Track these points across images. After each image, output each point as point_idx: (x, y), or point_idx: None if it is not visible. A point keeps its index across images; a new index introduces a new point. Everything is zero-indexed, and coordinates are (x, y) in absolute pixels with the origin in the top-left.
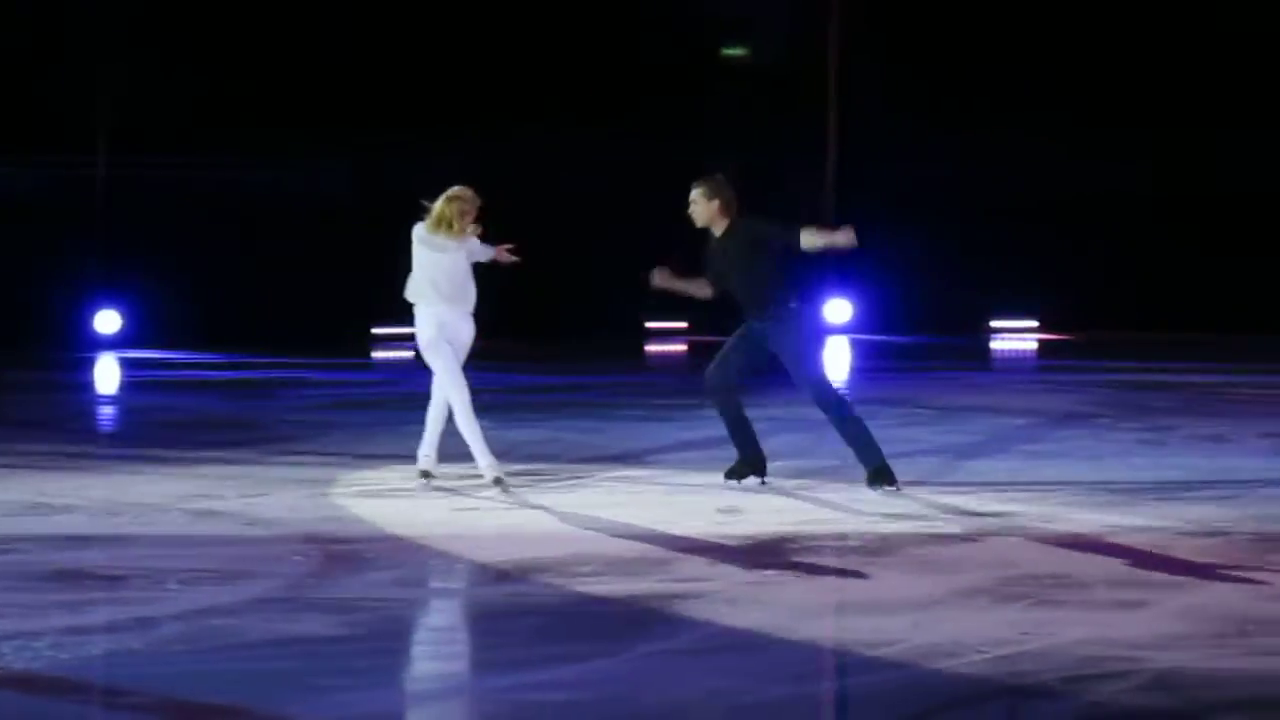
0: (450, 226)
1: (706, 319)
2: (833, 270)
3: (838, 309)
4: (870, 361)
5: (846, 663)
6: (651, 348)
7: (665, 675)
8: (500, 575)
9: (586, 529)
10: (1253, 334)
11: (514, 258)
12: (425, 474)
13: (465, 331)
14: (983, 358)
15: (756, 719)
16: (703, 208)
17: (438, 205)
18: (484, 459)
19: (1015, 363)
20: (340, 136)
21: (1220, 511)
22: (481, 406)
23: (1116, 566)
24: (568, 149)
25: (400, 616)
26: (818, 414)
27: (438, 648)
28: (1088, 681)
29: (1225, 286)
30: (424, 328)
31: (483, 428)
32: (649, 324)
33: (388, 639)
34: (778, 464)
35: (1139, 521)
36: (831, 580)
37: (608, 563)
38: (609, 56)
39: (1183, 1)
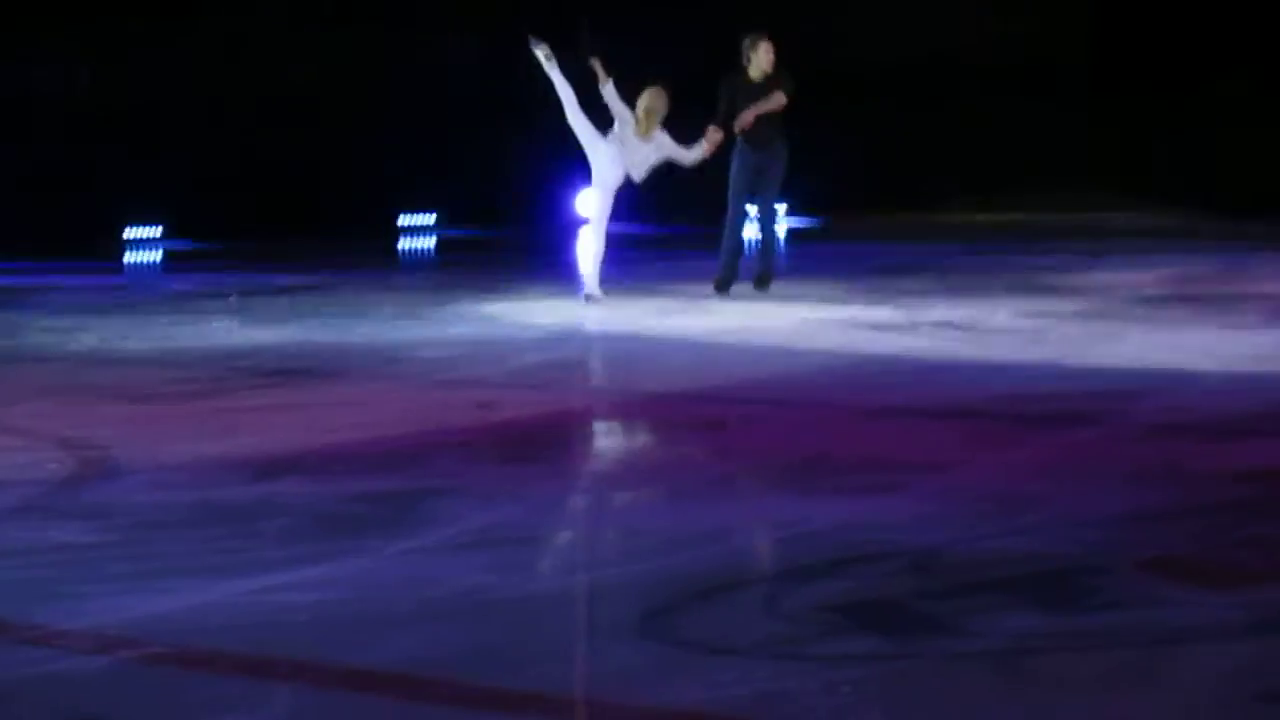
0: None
1: (456, 213)
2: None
3: (589, 200)
4: (618, 252)
5: (597, 554)
6: (402, 243)
7: (417, 573)
8: (251, 475)
9: (338, 428)
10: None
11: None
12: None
13: None
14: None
15: (510, 615)
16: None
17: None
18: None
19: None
20: (80, 34)
21: (973, 392)
22: (230, 308)
23: (871, 449)
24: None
25: (153, 521)
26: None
27: (188, 551)
28: (845, 565)
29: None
30: None
31: (232, 329)
32: (400, 220)
33: (139, 545)
34: (531, 358)
35: (893, 405)
36: (588, 472)
37: (360, 460)
38: None
39: None
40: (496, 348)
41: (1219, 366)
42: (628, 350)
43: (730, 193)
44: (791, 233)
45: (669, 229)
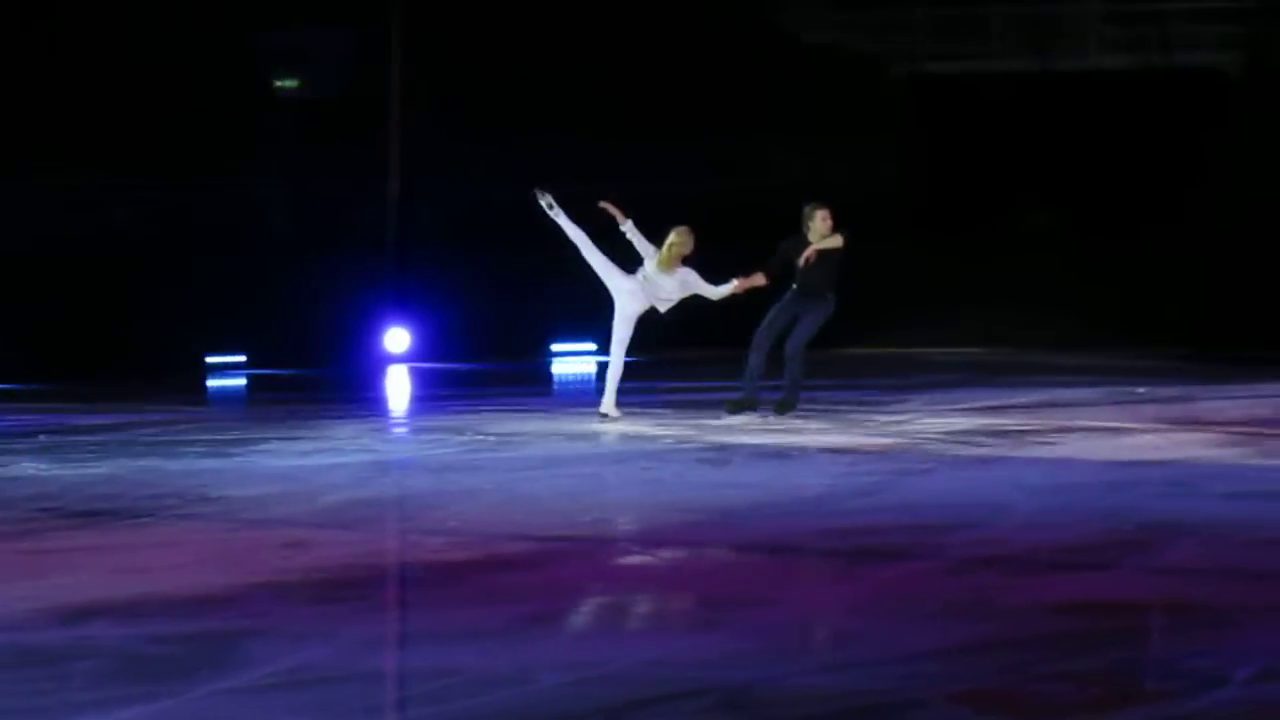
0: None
1: (265, 353)
2: (392, 298)
3: (397, 338)
4: (431, 389)
5: (410, 695)
6: (212, 382)
7: (228, 714)
8: (60, 618)
9: (148, 569)
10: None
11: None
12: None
13: None
14: (545, 382)
15: None
16: (825, 223)
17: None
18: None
19: (578, 386)
20: None
21: (787, 528)
22: (39, 448)
23: (685, 586)
24: (116, 187)
25: None
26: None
27: None
28: (654, 704)
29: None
30: None
31: (41, 469)
32: (209, 359)
33: None
34: (342, 496)
35: (705, 541)
36: (398, 611)
37: (171, 601)
38: (157, 91)
39: None
40: (306, 486)
41: (1029, 498)
42: (439, 485)
43: (764, 321)
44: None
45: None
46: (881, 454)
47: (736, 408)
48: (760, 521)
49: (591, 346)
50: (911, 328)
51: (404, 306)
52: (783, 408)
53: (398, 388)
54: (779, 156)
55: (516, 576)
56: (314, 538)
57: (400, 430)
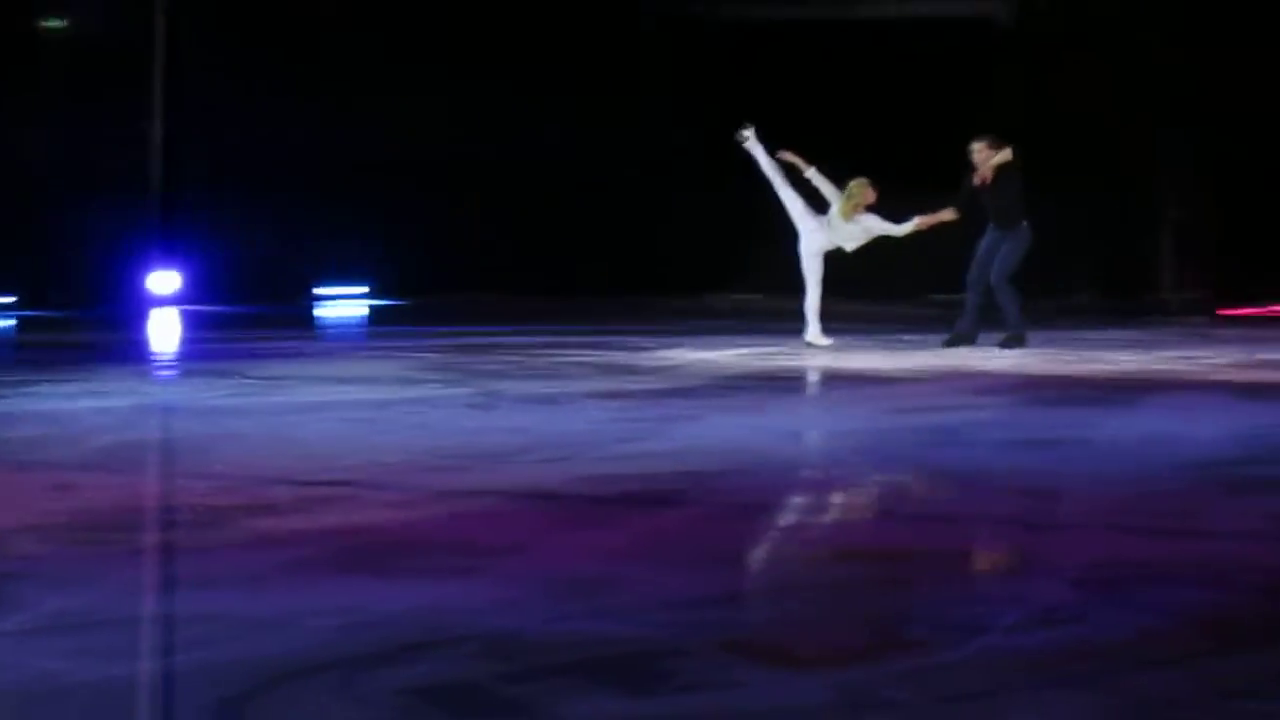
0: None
1: (34, 294)
2: (158, 241)
3: (164, 280)
4: (198, 332)
5: (175, 640)
6: None
7: None
8: None
9: None
10: (580, 297)
11: None
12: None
13: None
14: (311, 325)
15: (82, 700)
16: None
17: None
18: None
19: (345, 329)
20: None
21: (553, 473)
22: None
23: (451, 533)
24: None
25: None
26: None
27: None
28: (422, 649)
29: (549, 250)
30: None
31: None
32: None
33: None
34: (108, 439)
35: (472, 486)
36: (164, 555)
37: None
38: None
39: None
40: (72, 429)
41: (800, 445)
42: (206, 429)
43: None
44: (375, 312)
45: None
46: (650, 399)
47: (952, 343)
48: (526, 467)
49: (360, 290)
50: (707, 275)
51: (171, 249)
52: (1010, 342)
53: (165, 330)
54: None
55: (283, 521)
56: (80, 481)
57: (167, 373)
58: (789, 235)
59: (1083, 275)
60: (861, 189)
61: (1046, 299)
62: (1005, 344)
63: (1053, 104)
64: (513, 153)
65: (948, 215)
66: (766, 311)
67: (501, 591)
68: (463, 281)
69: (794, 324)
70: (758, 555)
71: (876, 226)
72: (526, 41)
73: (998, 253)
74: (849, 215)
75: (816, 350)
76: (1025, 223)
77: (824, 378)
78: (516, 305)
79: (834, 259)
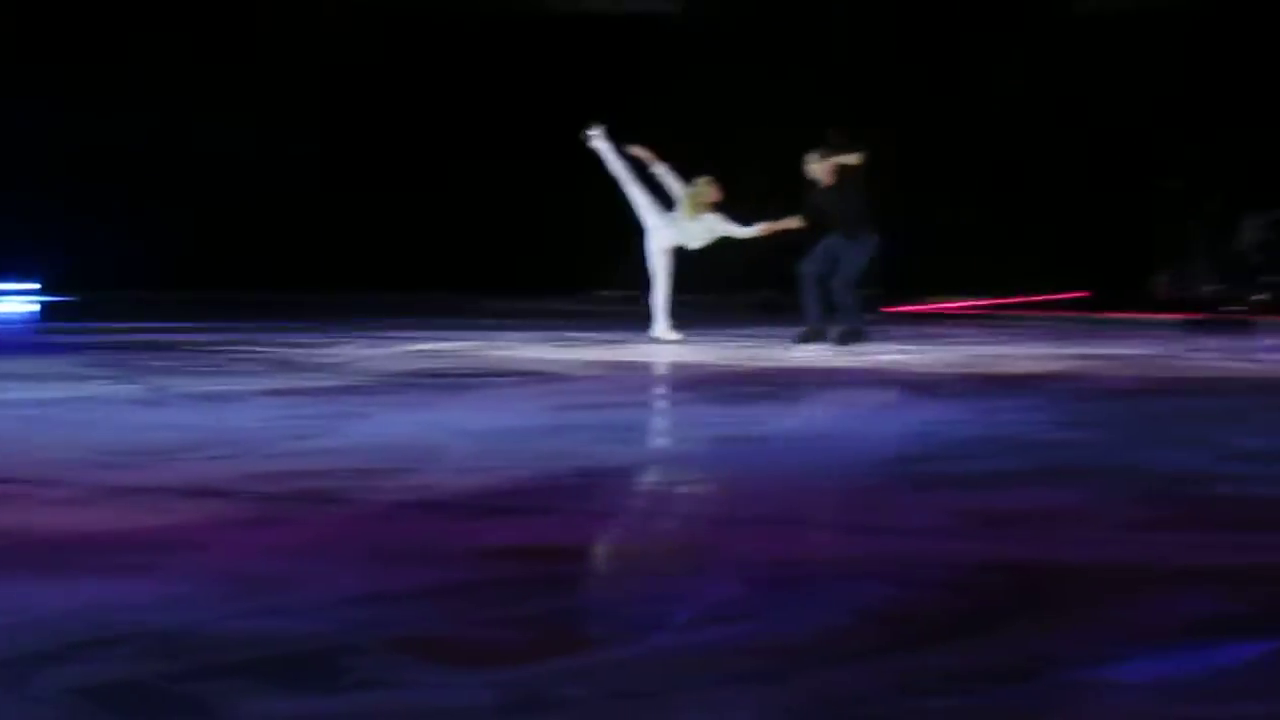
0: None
1: None
2: None
3: None
4: None
5: None
6: None
7: None
8: None
9: None
10: (256, 294)
11: None
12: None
13: None
14: None
15: None
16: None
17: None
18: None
19: (11, 326)
20: None
21: (221, 470)
22: None
23: (119, 530)
24: None
25: None
26: None
27: None
28: (90, 648)
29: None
30: None
31: None
32: None
33: None
34: None
35: (140, 484)
36: None
37: None
38: None
39: None
40: None
41: (467, 442)
42: None
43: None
44: (45, 308)
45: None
46: (320, 396)
47: (803, 339)
48: (196, 464)
49: (29, 286)
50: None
51: None
52: (846, 338)
53: None
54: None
55: None
56: None
57: None
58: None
59: (755, 272)
60: (705, 187)
61: (709, 294)
62: (842, 339)
63: (726, 101)
64: (191, 148)
65: (793, 223)
66: (442, 309)
67: (172, 589)
68: (139, 278)
69: (472, 319)
70: (429, 553)
71: (720, 227)
72: (192, 42)
73: (842, 259)
74: (693, 214)
75: (663, 344)
76: (872, 230)
77: (495, 373)
78: (195, 301)
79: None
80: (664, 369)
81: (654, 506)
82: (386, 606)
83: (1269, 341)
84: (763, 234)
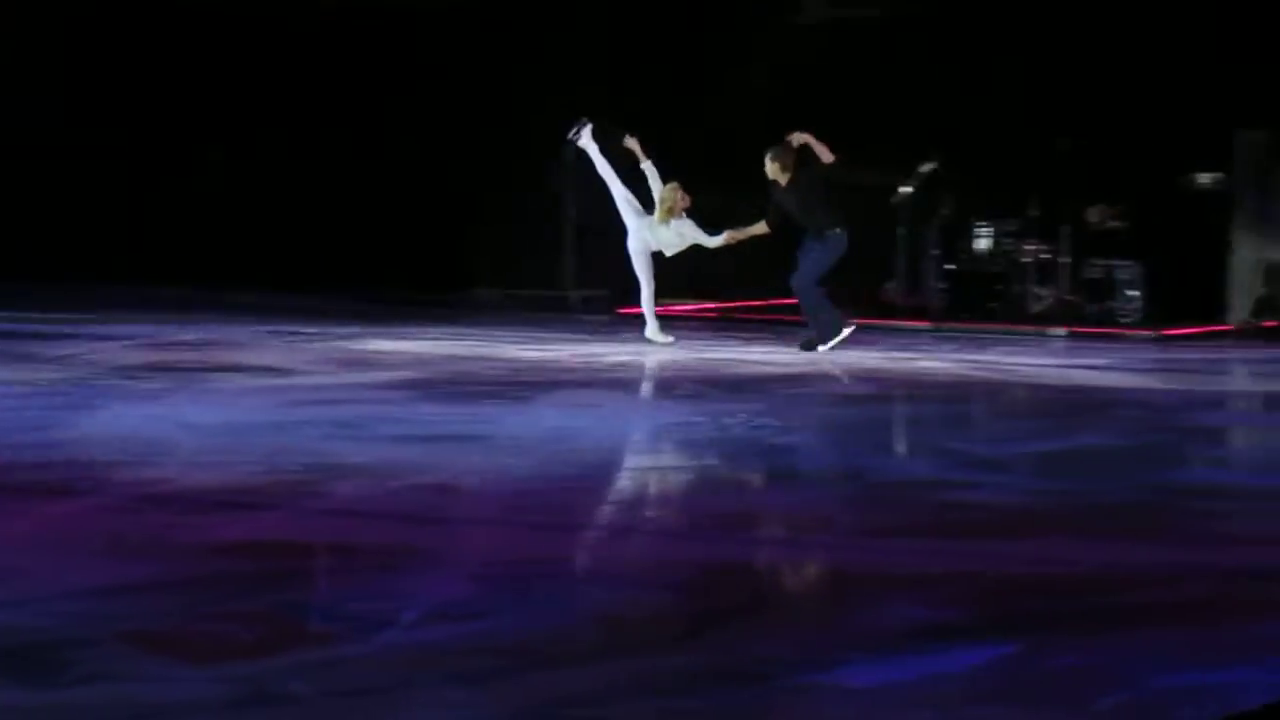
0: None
1: None
2: None
3: None
4: None
5: None
6: None
7: None
8: None
9: None
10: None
11: None
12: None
13: None
14: None
15: None
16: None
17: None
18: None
19: None
20: None
21: None
22: None
23: None
24: None
25: None
26: None
27: None
28: None
29: None
30: None
31: None
32: None
33: None
34: None
35: None
36: None
37: None
38: None
39: None
40: None
41: (195, 437)
42: None
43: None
44: None
45: None
46: (50, 389)
47: (806, 346)
48: None
49: None
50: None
51: None
52: (807, 345)
53: None
54: None
55: None
56: None
57: None
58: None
59: (484, 271)
60: (672, 194)
61: (449, 291)
62: (805, 346)
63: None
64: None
65: (759, 229)
66: (190, 303)
67: None
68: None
69: (216, 314)
70: (159, 548)
71: (690, 234)
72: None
73: (804, 258)
74: (664, 219)
75: (656, 347)
76: (839, 229)
77: (229, 368)
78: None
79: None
80: (385, 367)
81: (380, 505)
82: (115, 600)
83: (1001, 349)
84: (729, 242)
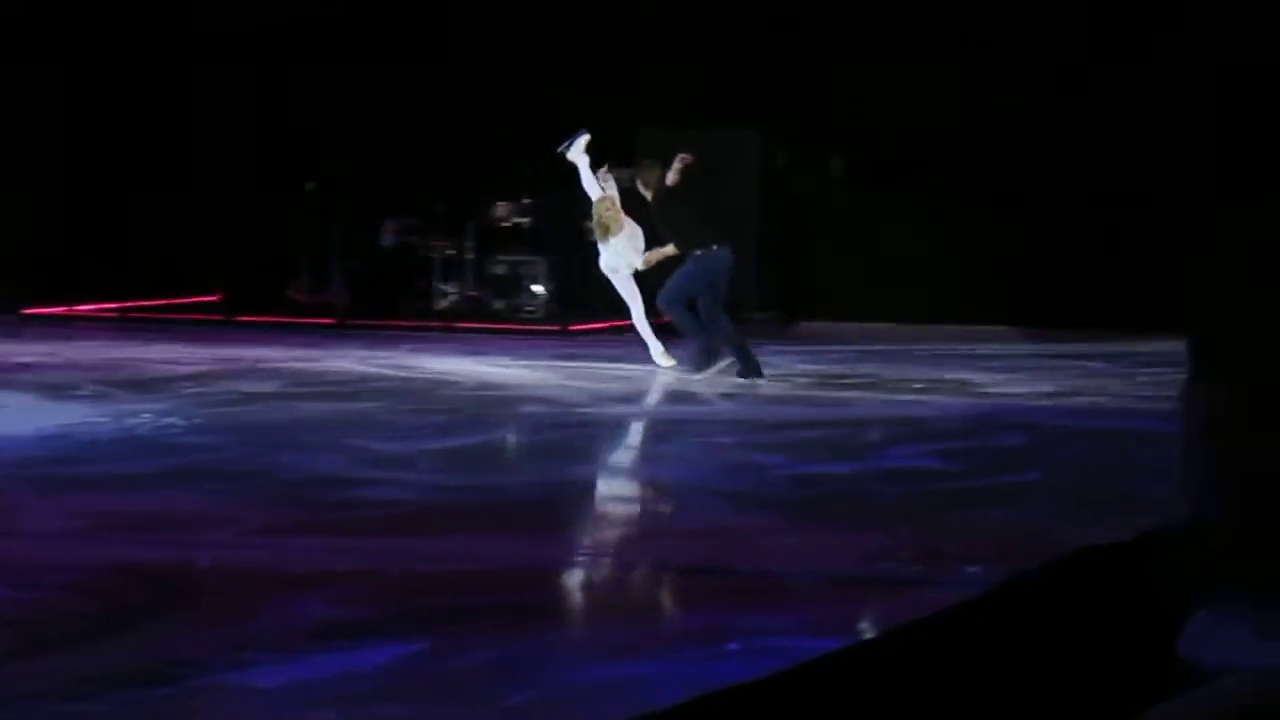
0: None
1: None
2: None
3: None
4: None
5: None
6: None
7: None
8: None
9: None
10: None
11: None
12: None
13: None
14: None
15: None
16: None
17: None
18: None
19: None
20: None
21: None
22: None
23: None
24: None
25: None
26: None
27: None
28: None
29: None
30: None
31: None
32: None
33: None
34: None
35: None
36: None
37: None
38: None
39: None
40: None
41: None
42: None
43: None
44: None
45: None
46: None
47: (699, 365)
48: None
49: None
50: None
51: None
52: (698, 362)
53: None
54: None
55: None
56: None
57: None
58: None
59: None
60: (598, 208)
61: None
62: (697, 365)
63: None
64: None
65: (669, 250)
66: None
67: None
68: None
69: None
70: None
71: (626, 253)
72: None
73: (672, 274)
74: (602, 238)
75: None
76: (713, 246)
77: None
78: None
79: None
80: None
81: None
82: None
83: (407, 346)
84: (649, 265)
